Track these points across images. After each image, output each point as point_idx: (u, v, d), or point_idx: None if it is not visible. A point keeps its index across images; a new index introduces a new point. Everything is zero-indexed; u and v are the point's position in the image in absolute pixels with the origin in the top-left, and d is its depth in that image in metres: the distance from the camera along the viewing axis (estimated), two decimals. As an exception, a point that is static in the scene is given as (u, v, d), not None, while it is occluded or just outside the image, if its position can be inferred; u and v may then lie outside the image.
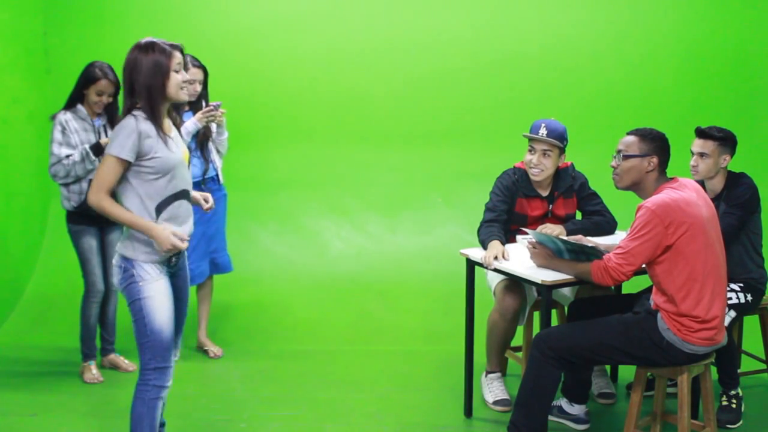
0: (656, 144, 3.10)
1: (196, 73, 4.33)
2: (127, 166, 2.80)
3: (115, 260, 2.95)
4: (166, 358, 2.93)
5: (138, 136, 2.79)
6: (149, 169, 2.83)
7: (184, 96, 2.90)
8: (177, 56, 2.86)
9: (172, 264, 2.99)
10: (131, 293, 2.89)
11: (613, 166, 3.16)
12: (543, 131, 3.81)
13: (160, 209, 2.87)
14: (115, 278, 2.96)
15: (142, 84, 2.81)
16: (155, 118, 2.84)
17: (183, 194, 2.94)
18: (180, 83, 2.86)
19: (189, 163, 3.06)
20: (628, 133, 3.17)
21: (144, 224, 2.82)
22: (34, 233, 5.57)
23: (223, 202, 4.53)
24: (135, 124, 2.80)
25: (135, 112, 2.83)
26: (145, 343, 2.92)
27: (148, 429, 2.93)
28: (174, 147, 2.92)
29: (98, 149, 3.99)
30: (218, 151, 4.43)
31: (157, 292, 2.88)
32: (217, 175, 4.43)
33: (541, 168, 3.84)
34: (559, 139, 3.82)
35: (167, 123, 2.96)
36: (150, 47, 2.82)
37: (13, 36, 5.29)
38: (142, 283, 2.87)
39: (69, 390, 4.13)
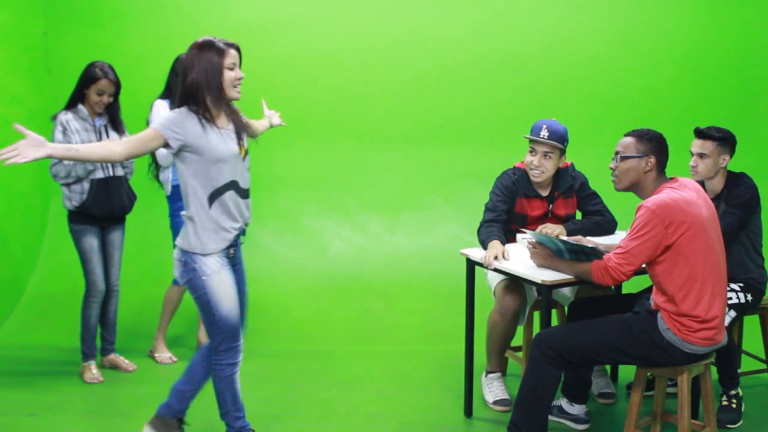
0: (653, 144, 3.11)
1: None
2: (164, 143, 2.90)
3: (175, 254, 3.05)
4: (235, 338, 3.11)
5: (183, 125, 2.90)
6: (198, 158, 2.93)
7: (235, 94, 3.02)
8: (232, 54, 2.98)
9: (231, 255, 3.11)
10: (195, 287, 3.01)
11: (611, 168, 3.17)
12: (544, 133, 3.80)
13: (212, 198, 2.98)
14: (176, 271, 3.05)
15: (194, 80, 2.92)
16: (203, 112, 2.95)
17: (233, 185, 3.02)
18: (233, 80, 2.98)
19: (245, 156, 3.12)
20: (625, 135, 3.17)
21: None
22: (34, 233, 5.58)
23: None
24: (186, 113, 2.94)
25: (188, 107, 2.96)
26: (215, 329, 3.06)
27: (230, 399, 3.19)
28: (226, 140, 3.01)
29: None
30: None
31: (220, 284, 3.02)
32: None
33: (542, 170, 3.84)
34: (560, 140, 3.82)
35: (223, 117, 3.05)
36: (206, 45, 2.94)
37: (14, 36, 5.30)
38: (205, 277, 2.99)
39: (69, 390, 4.13)
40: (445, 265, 5.43)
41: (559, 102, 5.74)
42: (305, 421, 3.76)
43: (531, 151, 3.86)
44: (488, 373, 3.97)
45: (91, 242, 4.15)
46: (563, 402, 3.67)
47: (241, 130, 3.11)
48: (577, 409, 3.63)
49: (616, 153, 3.15)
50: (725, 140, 3.67)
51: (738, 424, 3.64)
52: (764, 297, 3.84)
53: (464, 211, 5.68)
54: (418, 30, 5.81)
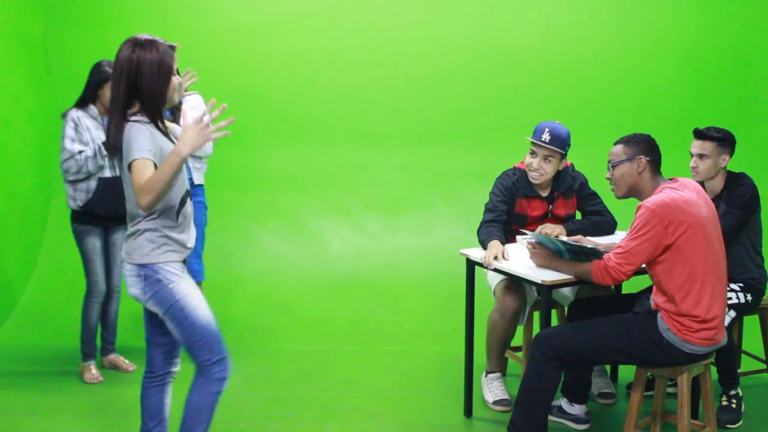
0: (641, 145, 3.13)
1: None
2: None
3: (128, 271, 2.78)
4: (222, 347, 2.83)
5: (152, 138, 2.66)
6: None
7: (177, 99, 2.80)
8: (176, 58, 2.76)
9: (185, 262, 2.90)
10: (164, 299, 2.75)
11: (608, 178, 3.21)
12: (546, 137, 3.79)
13: (179, 210, 2.79)
14: (134, 289, 2.78)
15: (146, 85, 2.67)
16: (157, 120, 2.74)
17: (188, 193, 2.86)
18: (176, 86, 2.76)
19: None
20: (614, 144, 3.21)
21: (173, 153, 2.58)
22: (34, 233, 5.57)
23: (201, 209, 4.47)
24: (144, 128, 2.67)
25: (136, 118, 2.69)
26: (197, 341, 2.78)
27: (206, 422, 2.86)
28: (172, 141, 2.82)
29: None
30: (198, 157, 4.42)
31: (189, 290, 2.78)
32: (191, 179, 4.40)
33: (541, 172, 3.83)
34: (561, 145, 3.81)
35: (167, 123, 2.92)
36: (151, 45, 2.68)
37: (13, 36, 5.29)
38: (172, 285, 2.75)
39: (69, 390, 4.14)
40: (445, 265, 5.43)
41: (559, 102, 5.74)
42: (305, 421, 3.76)
43: (531, 153, 3.85)
44: (488, 373, 3.96)
45: (94, 243, 4.16)
46: (563, 402, 3.67)
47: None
48: (577, 409, 3.63)
49: (609, 162, 3.19)
50: (725, 141, 3.67)
51: (738, 424, 3.64)
52: (764, 297, 3.84)
53: (464, 211, 5.68)
54: (417, 30, 5.81)
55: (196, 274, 4.49)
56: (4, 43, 5.15)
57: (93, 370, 4.26)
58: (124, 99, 2.69)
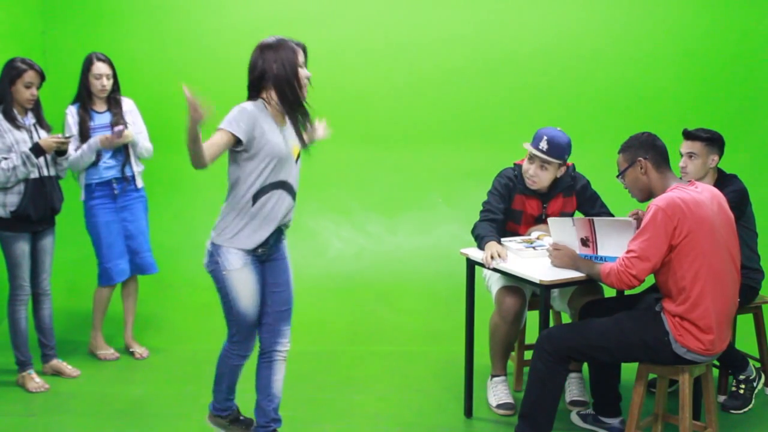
0: (635, 147, 3.15)
1: (102, 68, 4.31)
2: (234, 143, 2.92)
3: (207, 243, 3.10)
4: (249, 333, 3.24)
5: (254, 120, 2.93)
6: (256, 153, 2.96)
7: (305, 92, 3.05)
8: (301, 54, 3.04)
9: (259, 253, 3.12)
10: (216, 278, 3.10)
11: (626, 188, 3.23)
12: (544, 145, 3.69)
13: (257, 196, 3.01)
14: (205, 259, 3.11)
15: (272, 78, 2.99)
16: (279, 108, 3.02)
17: (283, 185, 3.06)
18: (303, 79, 3.03)
19: (298, 158, 3.15)
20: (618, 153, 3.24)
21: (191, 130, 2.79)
22: None
23: (141, 203, 4.53)
24: (252, 108, 2.96)
25: (255, 101, 3.00)
26: (231, 320, 3.19)
27: (226, 387, 3.38)
28: (285, 138, 3.05)
29: (38, 150, 3.91)
30: (135, 156, 4.45)
31: (239, 281, 3.07)
32: (133, 177, 4.43)
33: (536, 179, 3.78)
34: (558, 155, 3.71)
35: (281, 115, 3.07)
36: (279, 44, 3.01)
37: (12, 35, 5.29)
38: (225, 272, 3.05)
39: (68, 390, 4.12)
40: (445, 265, 5.42)
41: (559, 102, 5.73)
42: (305, 422, 3.75)
43: (530, 158, 3.79)
44: (493, 377, 3.93)
45: (23, 248, 4.04)
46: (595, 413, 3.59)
47: (300, 131, 3.13)
48: (612, 420, 3.54)
49: (617, 175, 3.21)
50: (713, 141, 3.73)
51: (743, 411, 3.65)
52: (757, 296, 3.84)
53: (464, 211, 5.65)
54: (418, 30, 5.80)
55: (148, 267, 4.59)
56: (2, 42, 5.14)
57: (36, 379, 4.12)
58: (252, 91, 3.05)
